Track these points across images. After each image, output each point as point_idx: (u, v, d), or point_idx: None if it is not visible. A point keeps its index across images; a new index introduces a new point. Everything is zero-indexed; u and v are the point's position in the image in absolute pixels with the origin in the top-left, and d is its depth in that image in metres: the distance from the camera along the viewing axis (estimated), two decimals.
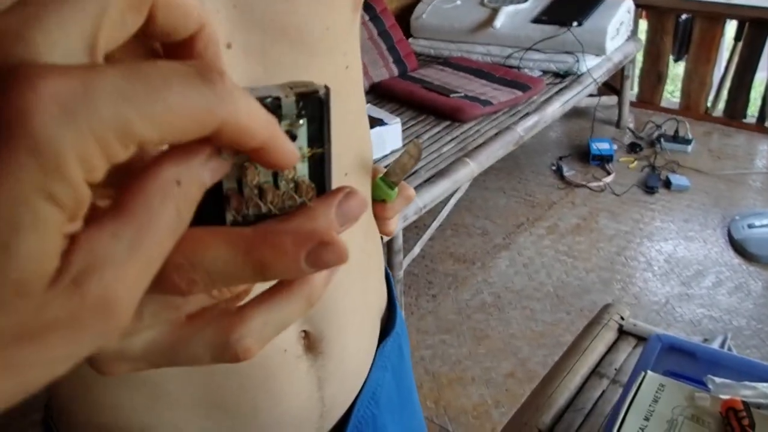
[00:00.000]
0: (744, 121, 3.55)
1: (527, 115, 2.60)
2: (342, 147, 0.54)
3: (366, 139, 0.59)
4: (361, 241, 0.60)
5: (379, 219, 0.64)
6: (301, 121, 0.25)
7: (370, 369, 0.67)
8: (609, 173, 3.18)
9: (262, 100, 0.23)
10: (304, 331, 0.55)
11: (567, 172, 3.21)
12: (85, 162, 0.18)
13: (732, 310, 2.32)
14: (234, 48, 0.43)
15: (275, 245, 0.23)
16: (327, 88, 0.25)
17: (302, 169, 0.26)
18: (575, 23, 2.96)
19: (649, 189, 3.04)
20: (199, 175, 0.22)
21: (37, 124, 0.17)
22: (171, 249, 0.21)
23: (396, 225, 0.68)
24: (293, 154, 0.23)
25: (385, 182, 0.61)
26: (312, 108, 0.25)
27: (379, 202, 0.62)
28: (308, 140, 0.25)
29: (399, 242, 2.15)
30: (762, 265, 2.52)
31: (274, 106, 0.24)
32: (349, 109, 0.54)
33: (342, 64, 0.52)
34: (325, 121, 0.26)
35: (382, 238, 0.68)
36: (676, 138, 3.36)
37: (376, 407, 0.68)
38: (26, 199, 0.17)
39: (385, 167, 0.63)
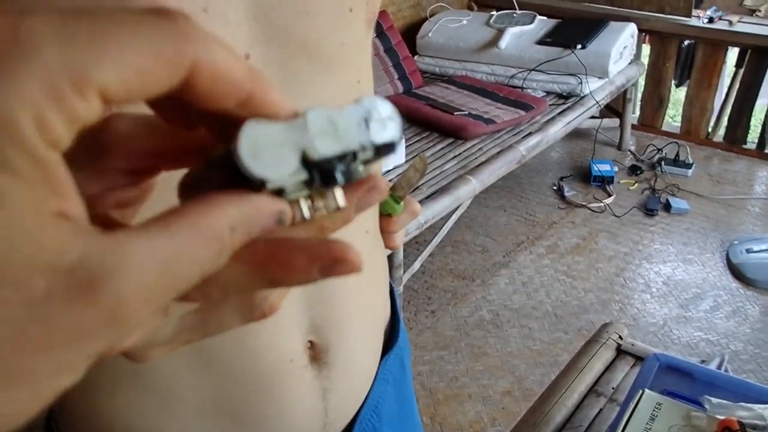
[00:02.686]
0: (744, 146, 3.57)
1: (530, 134, 2.62)
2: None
3: None
4: (369, 251, 0.61)
5: (385, 233, 0.65)
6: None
7: (373, 382, 0.67)
8: (609, 194, 3.20)
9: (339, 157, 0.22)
10: (310, 341, 0.56)
11: (568, 192, 3.23)
12: (38, 120, 0.16)
13: (729, 334, 2.32)
14: (252, 59, 0.45)
15: (287, 263, 0.22)
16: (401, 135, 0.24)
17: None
18: (579, 46, 2.99)
19: (649, 211, 3.05)
20: (254, 230, 0.21)
21: None
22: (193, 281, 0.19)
23: (401, 239, 0.69)
24: (284, 104, 0.21)
25: (392, 196, 0.62)
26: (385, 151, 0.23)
27: (384, 216, 0.64)
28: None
29: (400, 257, 2.16)
30: (759, 289, 2.53)
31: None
32: None
33: (355, 79, 0.53)
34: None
35: None
36: (676, 162, 3.38)
37: (378, 420, 0.69)
38: None
39: (390, 181, 0.64)
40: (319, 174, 0.22)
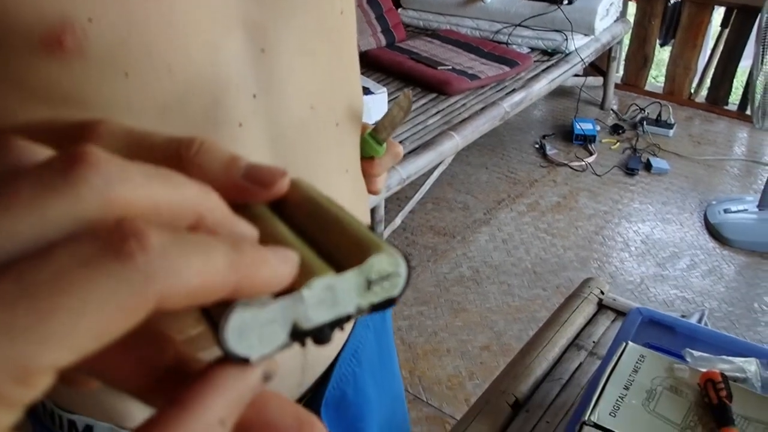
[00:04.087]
0: (726, 108, 3.58)
1: (514, 91, 2.60)
2: (334, 94, 0.53)
3: (357, 89, 0.59)
4: (349, 192, 0.59)
5: (367, 176, 0.63)
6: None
7: (353, 326, 0.67)
8: (591, 153, 3.20)
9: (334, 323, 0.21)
10: None
11: (550, 151, 3.23)
12: None
13: (704, 292, 2.36)
14: None
15: None
16: (404, 287, 0.22)
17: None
18: (565, 1, 2.95)
19: (629, 171, 3.06)
20: (244, 405, 0.19)
21: None
22: None
23: (384, 183, 0.67)
24: (277, 273, 0.19)
25: (374, 138, 0.60)
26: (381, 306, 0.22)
27: (367, 158, 0.62)
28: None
29: (381, 212, 2.15)
30: (735, 249, 2.56)
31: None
32: (342, 54, 0.54)
33: (337, 8, 0.51)
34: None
35: None
36: (658, 122, 3.38)
37: (357, 365, 0.68)
38: None
39: (373, 125, 0.62)
40: (309, 337, 0.20)
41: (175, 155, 0.21)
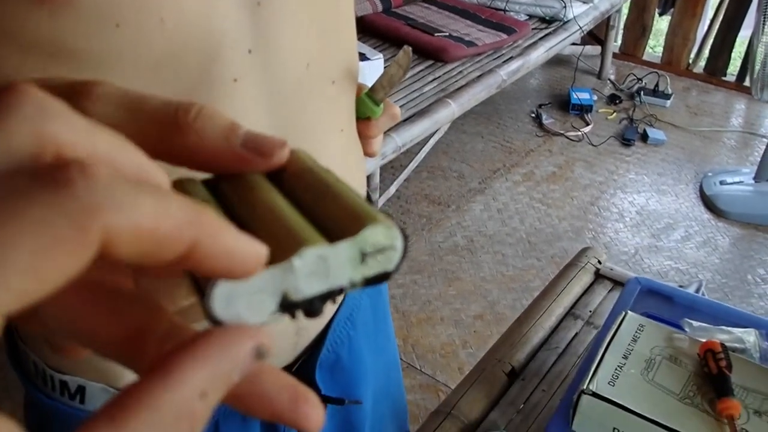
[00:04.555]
0: (724, 78, 3.55)
1: (511, 59, 2.56)
2: (330, 52, 0.52)
3: (353, 47, 0.57)
4: (344, 152, 0.58)
5: (363, 138, 0.62)
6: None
7: None
8: (587, 123, 3.18)
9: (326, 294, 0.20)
10: None
11: (546, 120, 3.20)
12: None
13: (698, 264, 2.36)
14: None
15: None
16: (400, 263, 0.21)
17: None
18: None
19: (625, 141, 3.04)
20: (231, 379, 0.17)
21: None
22: None
23: (380, 146, 0.66)
24: (243, 246, 0.18)
25: (371, 98, 0.58)
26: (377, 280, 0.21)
27: (363, 120, 0.60)
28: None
29: (376, 180, 2.13)
30: (730, 221, 2.56)
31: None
32: (339, 12, 0.52)
33: None
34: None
35: None
36: (655, 92, 3.35)
37: (352, 328, 0.68)
38: None
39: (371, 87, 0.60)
40: (299, 308, 0.20)
41: (173, 119, 0.20)
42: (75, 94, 0.20)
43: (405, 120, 2.12)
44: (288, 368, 0.61)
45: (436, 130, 2.30)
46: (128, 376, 0.54)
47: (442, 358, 2.01)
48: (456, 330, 2.10)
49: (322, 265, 0.19)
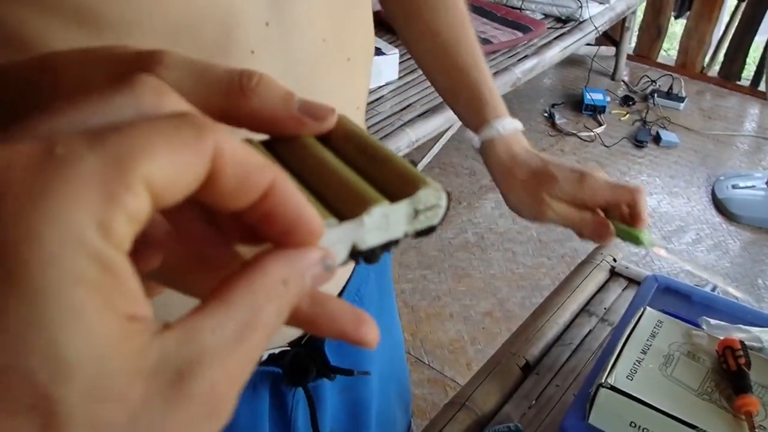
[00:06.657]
0: (738, 83, 3.53)
1: (526, 57, 2.56)
2: (346, 29, 0.53)
3: (370, 23, 0.58)
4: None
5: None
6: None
7: (355, 265, 0.67)
8: (600, 124, 3.17)
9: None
10: None
11: (559, 120, 3.20)
12: (100, 225, 0.16)
13: (709, 267, 2.36)
14: None
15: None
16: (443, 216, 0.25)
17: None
18: None
19: (638, 143, 3.04)
20: (304, 279, 0.20)
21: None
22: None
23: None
24: (306, 215, 0.21)
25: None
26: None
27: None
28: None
29: None
30: (742, 225, 2.55)
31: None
32: None
33: None
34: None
35: None
36: (669, 94, 3.34)
37: (360, 302, 0.68)
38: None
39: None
40: (363, 256, 0.23)
41: (237, 85, 0.22)
42: (146, 62, 0.22)
43: (418, 116, 2.12)
44: (298, 340, 0.62)
45: (449, 127, 2.30)
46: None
47: (451, 353, 2.01)
48: (465, 326, 2.10)
49: (384, 220, 0.23)
